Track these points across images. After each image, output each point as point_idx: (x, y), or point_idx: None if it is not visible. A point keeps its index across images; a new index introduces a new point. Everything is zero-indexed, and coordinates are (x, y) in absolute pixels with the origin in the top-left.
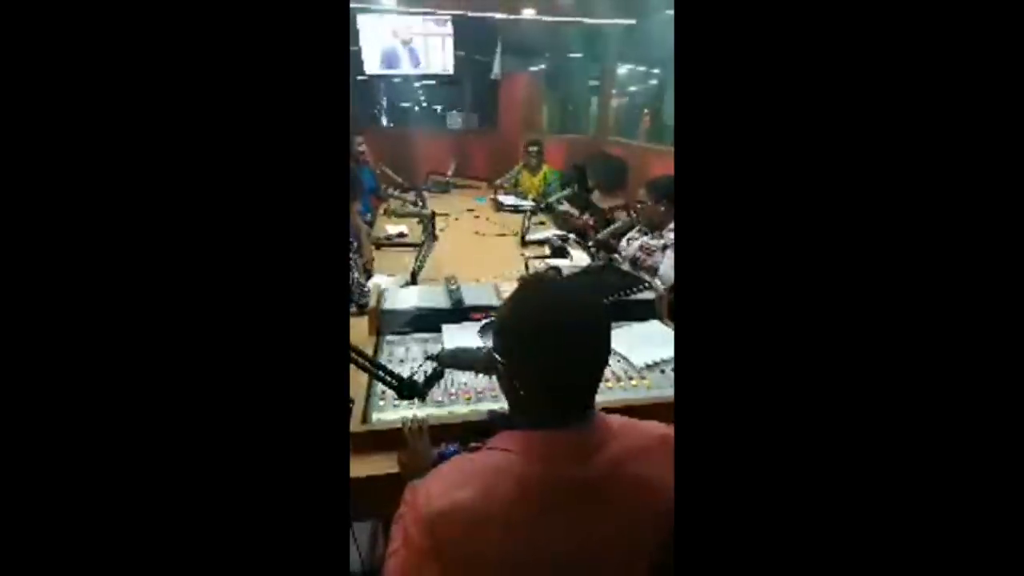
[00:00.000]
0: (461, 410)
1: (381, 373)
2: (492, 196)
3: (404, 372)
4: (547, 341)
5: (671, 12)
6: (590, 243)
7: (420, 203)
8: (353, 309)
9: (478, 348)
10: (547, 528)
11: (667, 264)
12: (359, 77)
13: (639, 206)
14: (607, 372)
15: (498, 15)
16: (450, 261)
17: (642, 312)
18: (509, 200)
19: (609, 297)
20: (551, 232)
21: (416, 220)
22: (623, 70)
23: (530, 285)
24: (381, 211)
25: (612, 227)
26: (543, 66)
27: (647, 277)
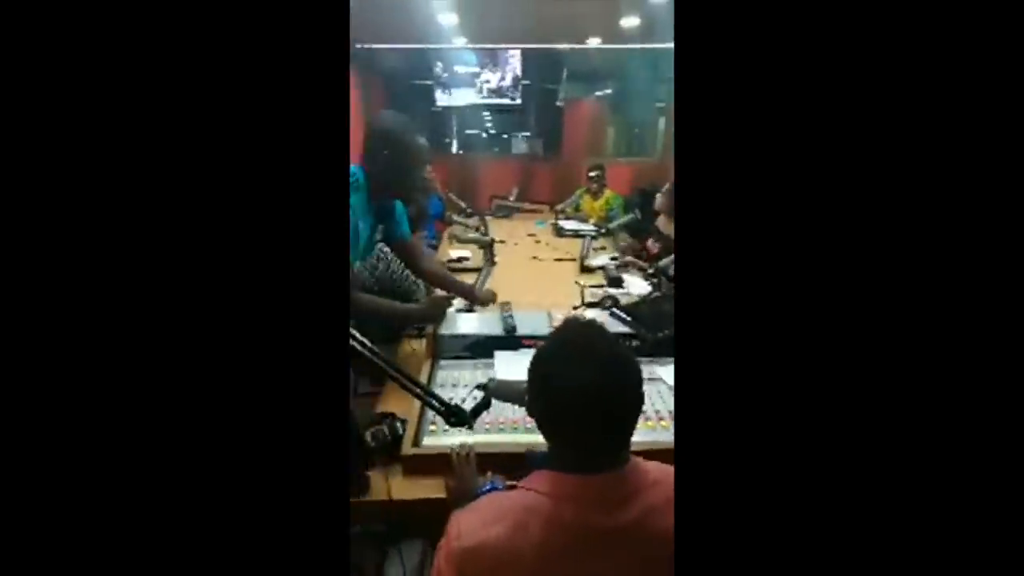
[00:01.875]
0: (510, 439)
1: (430, 399)
2: (553, 221)
3: (457, 397)
4: (571, 392)
5: None
6: (650, 270)
7: (483, 228)
8: (413, 332)
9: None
10: (570, 573)
11: None
12: (432, 109)
13: None
14: (663, 410)
15: (564, 46)
16: (508, 286)
17: None
18: (570, 225)
19: (666, 330)
20: (607, 259)
21: (478, 245)
22: None
23: (561, 331)
24: (445, 236)
25: (673, 255)
26: (608, 91)
27: None
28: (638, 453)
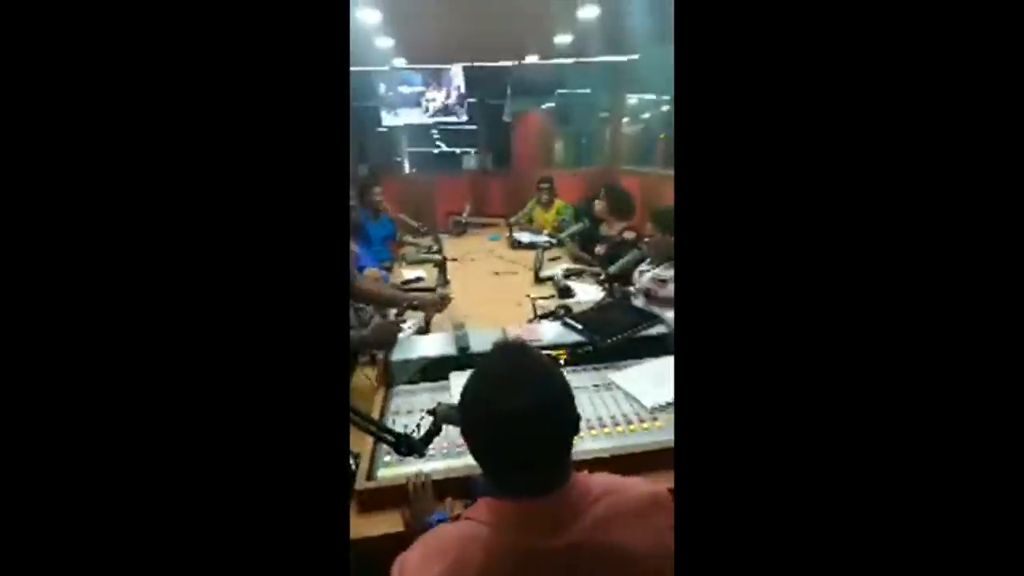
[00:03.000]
0: (468, 462)
1: (378, 431)
2: (507, 234)
3: (413, 424)
4: (499, 423)
5: (671, 46)
6: (601, 277)
7: (437, 247)
8: (366, 360)
9: None
10: None
11: None
12: (378, 129)
13: (647, 239)
14: (618, 416)
15: (504, 63)
16: (464, 304)
17: (653, 349)
18: (524, 237)
19: (617, 335)
20: (558, 270)
21: (432, 265)
22: (633, 100)
23: (488, 360)
24: (398, 258)
25: (623, 260)
26: (553, 104)
27: (657, 310)
28: (602, 460)
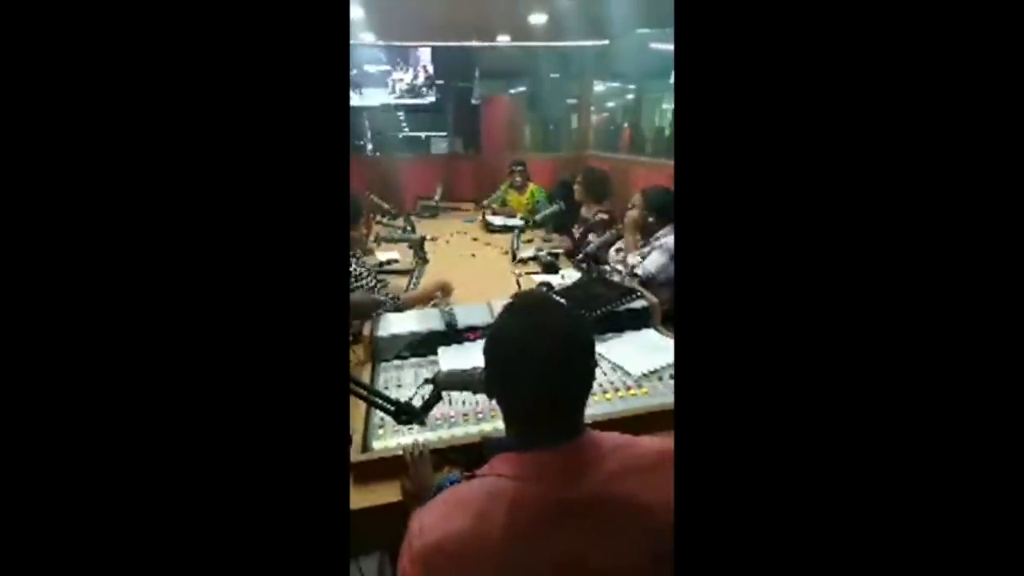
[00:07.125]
0: (463, 431)
1: (378, 400)
2: (480, 217)
3: (402, 398)
4: (528, 362)
5: (642, 31)
6: (578, 257)
7: (410, 228)
8: (350, 336)
9: (474, 368)
10: (540, 550)
11: (650, 260)
12: None
13: (632, 211)
14: (606, 384)
15: (474, 44)
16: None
17: (636, 321)
18: (498, 220)
19: (600, 309)
20: (539, 249)
21: (407, 245)
22: (600, 87)
23: (515, 304)
24: (371, 238)
25: (598, 240)
26: (522, 88)
27: (638, 286)
28: (597, 423)
